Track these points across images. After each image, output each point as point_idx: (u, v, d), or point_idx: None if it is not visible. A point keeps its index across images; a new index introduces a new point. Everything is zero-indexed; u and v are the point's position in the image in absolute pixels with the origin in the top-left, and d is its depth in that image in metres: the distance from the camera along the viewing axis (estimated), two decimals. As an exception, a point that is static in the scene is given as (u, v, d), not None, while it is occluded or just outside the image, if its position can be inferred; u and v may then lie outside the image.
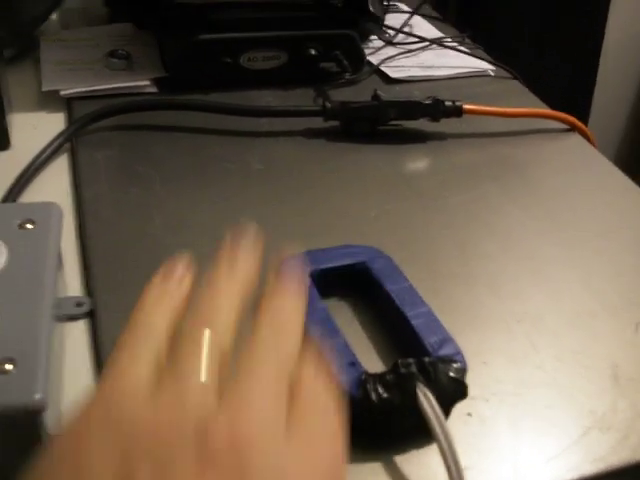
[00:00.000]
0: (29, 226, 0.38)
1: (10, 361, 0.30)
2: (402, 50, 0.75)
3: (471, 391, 0.36)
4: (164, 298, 0.27)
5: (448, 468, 0.33)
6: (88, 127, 0.59)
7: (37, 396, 0.29)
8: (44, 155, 0.55)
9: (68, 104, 0.63)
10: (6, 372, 0.30)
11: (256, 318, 0.26)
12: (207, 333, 0.25)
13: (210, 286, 0.27)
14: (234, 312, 0.26)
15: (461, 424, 0.37)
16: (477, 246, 0.50)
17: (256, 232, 0.29)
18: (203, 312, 0.26)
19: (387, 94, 0.61)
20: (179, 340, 0.25)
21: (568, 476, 0.35)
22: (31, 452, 0.22)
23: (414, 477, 0.35)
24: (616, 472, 0.36)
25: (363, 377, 0.36)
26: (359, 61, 0.68)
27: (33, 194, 0.52)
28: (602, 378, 0.40)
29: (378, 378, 0.35)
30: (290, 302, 0.27)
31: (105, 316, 0.42)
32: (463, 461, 0.35)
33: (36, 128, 0.61)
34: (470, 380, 0.37)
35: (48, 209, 0.40)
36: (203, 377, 0.23)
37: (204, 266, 0.46)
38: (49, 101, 0.63)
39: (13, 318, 0.32)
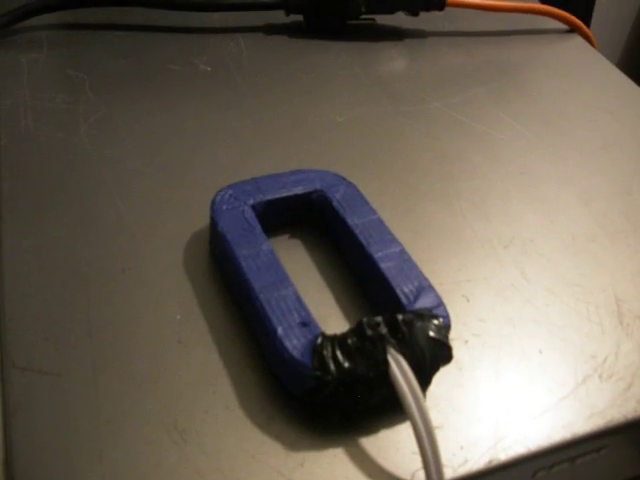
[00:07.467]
0: None
1: None
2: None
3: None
4: None
5: (424, 457, 0.26)
6: (11, 27, 0.50)
7: None
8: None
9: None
10: None
11: None
12: None
13: None
14: None
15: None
16: (460, 158, 0.43)
17: None
18: None
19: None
20: None
21: (559, 435, 0.29)
22: None
23: (384, 462, 0.28)
24: (617, 429, 0.30)
25: (319, 341, 0.28)
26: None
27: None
28: (603, 315, 0.34)
29: (338, 342, 0.28)
30: None
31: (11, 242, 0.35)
32: (434, 418, 0.29)
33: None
34: (445, 319, 0.30)
35: None
36: None
37: (134, 183, 0.39)
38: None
39: None
